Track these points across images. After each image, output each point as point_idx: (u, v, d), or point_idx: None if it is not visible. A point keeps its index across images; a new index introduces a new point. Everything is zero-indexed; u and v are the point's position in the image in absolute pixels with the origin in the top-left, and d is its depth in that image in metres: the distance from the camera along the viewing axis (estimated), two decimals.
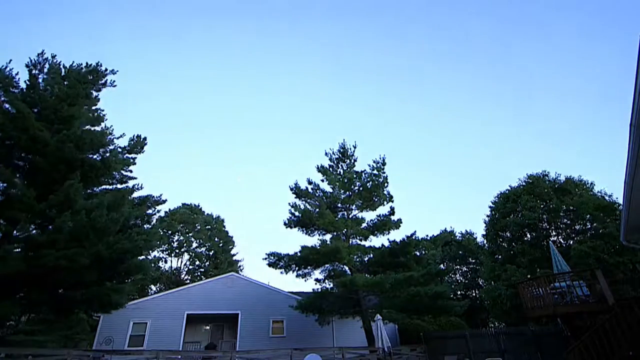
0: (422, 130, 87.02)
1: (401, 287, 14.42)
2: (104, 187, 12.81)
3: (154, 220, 14.88)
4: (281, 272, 17.29)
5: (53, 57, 11.78)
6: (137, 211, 13.25)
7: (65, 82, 11.71)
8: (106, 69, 12.98)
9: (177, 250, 32.13)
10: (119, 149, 12.68)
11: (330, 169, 18.74)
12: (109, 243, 11.00)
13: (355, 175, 18.04)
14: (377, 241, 25.28)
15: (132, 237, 11.94)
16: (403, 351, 14.55)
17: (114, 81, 13.01)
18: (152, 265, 27.53)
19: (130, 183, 13.24)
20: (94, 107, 13.08)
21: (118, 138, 13.04)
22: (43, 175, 11.10)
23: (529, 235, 19.34)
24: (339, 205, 17.80)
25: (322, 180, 18.45)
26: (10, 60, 11.14)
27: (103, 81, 12.86)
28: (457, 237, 29.03)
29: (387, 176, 17.97)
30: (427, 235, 29.41)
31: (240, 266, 35.48)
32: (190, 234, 32.60)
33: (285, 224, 17.85)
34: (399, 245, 16.09)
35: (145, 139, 13.09)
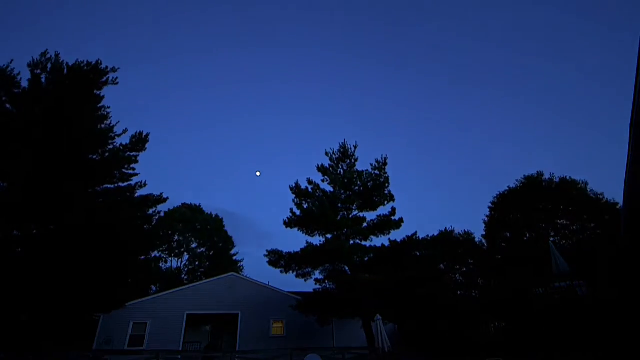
0: (423, 132, 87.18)
1: (401, 287, 14.44)
2: (105, 185, 12.80)
3: (155, 221, 14.87)
4: (281, 271, 17.27)
5: (57, 55, 11.76)
6: (138, 211, 13.24)
7: (67, 82, 11.70)
8: (107, 67, 12.91)
9: (177, 250, 32.06)
10: (121, 147, 12.67)
11: (331, 168, 18.74)
12: (110, 243, 11.00)
13: (355, 175, 18.05)
14: (377, 241, 25.27)
15: (133, 238, 11.96)
16: (403, 351, 14.55)
17: (117, 78, 12.98)
18: (152, 265, 27.48)
19: (133, 181, 13.21)
20: (98, 105, 13.05)
21: (120, 135, 13.02)
22: (44, 175, 11.09)
23: (528, 235, 19.38)
24: (340, 205, 17.80)
25: (323, 180, 18.48)
26: (12, 61, 11.15)
27: (104, 79, 12.81)
28: (457, 237, 29.03)
29: (388, 176, 18.00)
30: (427, 235, 29.39)
31: (240, 266, 35.42)
32: (190, 234, 32.53)
33: (285, 223, 17.86)
34: (399, 245, 16.11)
35: (147, 136, 13.06)
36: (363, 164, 24.77)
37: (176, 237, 31.83)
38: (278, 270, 17.31)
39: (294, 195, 18.27)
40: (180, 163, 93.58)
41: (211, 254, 33.24)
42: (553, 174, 20.33)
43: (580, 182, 19.51)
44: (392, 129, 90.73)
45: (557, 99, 75.12)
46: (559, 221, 18.83)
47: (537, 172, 20.73)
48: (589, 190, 18.98)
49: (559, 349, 11.17)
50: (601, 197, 18.07)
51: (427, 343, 16.04)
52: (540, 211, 18.80)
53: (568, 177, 19.75)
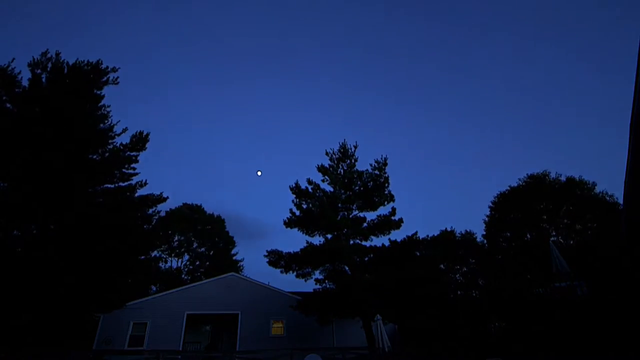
0: (424, 132, 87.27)
1: (401, 287, 14.43)
2: (105, 185, 12.78)
3: (155, 220, 14.85)
4: (281, 271, 17.27)
5: (57, 54, 11.76)
6: (138, 211, 13.23)
7: (67, 81, 11.70)
8: (107, 67, 12.93)
9: (177, 250, 32.04)
10: (121, 147, 12.66)
11: (331, 169, 18.73)
12: (110, 243, 10.99)
13: (355, 175, 18.05)
14: (377, 241, 25.27)
15: (133, 238, 11.94)
16: (403, 351, 14.54)
17: (117, 77, 12.99)
18: (152, 265, 27.47)
19: (133, 180, 13.18)
20: (98, 105, 13.04)
21: (120, 134, 13.01)
22: (45, 175, 11.09)
23: (529, 235, 19.34)
24: (340, 205, 17.80)
25: (323, 181, 18.48)
26: (13, 59, 11.14)
27: (104, 79, 12.83)
28: (457, 237, 28.98)
29: (388, 176, 18.02)
30: (428, 235, 29.33)
31: (240, 266, 35.40)
32: (190, 234, 32.51)
33: (285, 223, 17.86)
34: (399, 245, 16.10)
35: (147, 135, 13.04)
36: (363, 164, 24.77)
37: (176, 237, 31.82)
38: (278, 270, 17.33)
39: (294, 196, 18.29)
40: (181, 163, 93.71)
41: (211, 254, 33.23)
42: (559, 174, 20.11)
43: (588, 182, 19.24)
44: (393, 129, 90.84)
45: (559, 99, 75.18)
46: (561, 221, 18.77)
47: (543, 171, 20.53)
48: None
49: (559, 348, 11.16)
50: (608, 197, 17.85)
51: (427, 343, 16.03)
52: (542, 211, 18.74)
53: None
